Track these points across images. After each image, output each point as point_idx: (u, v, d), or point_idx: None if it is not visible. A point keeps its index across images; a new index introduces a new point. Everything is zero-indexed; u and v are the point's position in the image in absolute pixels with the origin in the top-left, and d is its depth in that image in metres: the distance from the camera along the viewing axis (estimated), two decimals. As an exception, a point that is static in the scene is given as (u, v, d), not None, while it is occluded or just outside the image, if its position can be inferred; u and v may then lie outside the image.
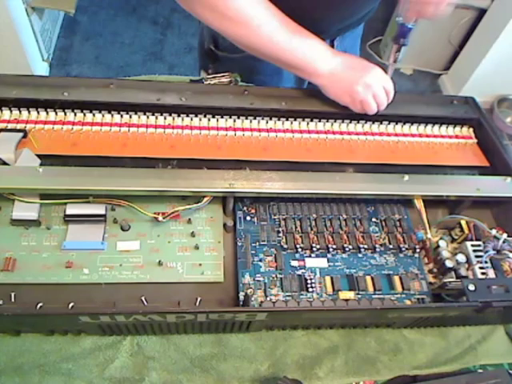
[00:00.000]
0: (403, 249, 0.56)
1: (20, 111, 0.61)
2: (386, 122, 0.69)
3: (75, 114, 0.62)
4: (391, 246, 0.56)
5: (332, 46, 0.79)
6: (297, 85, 0.83)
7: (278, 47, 0.59)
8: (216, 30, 0.60)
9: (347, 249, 0.55)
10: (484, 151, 0.69)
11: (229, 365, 0.51)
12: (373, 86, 0.62)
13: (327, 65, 0.61)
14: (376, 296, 0.53)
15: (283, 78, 0.80)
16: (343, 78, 0.62)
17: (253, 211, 0.57)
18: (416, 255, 0.57)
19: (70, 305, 0.48)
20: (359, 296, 0.52)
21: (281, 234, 0.56)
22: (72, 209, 0.53)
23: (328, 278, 0.53)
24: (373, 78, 0.62)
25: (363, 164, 0.63)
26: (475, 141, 0.70)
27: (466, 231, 0.57)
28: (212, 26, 0.60)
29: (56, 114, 0.61)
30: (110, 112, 0.63)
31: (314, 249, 0.55)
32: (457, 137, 0.70)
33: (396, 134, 0.68)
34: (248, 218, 0.57)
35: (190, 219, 0.55)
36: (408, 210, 0.60)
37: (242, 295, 0.50)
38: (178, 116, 0.64)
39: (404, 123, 0.69)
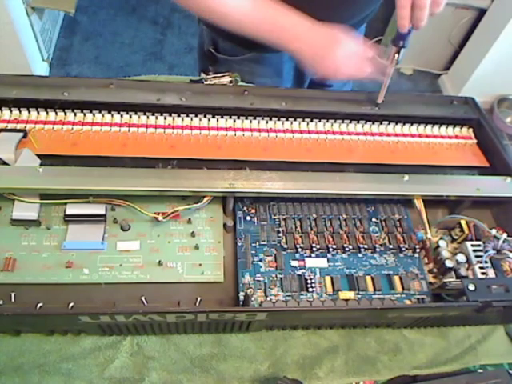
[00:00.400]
0: (403, 249, 0.56)
1: (20, 111, 0.61)
2: (386, 122, 0.69)
3: (75, 114, 0.62)
4: (391, 246, 0.56)
5: None
6: (297, 86, 0.83)
7: (252, 16, 0.60)
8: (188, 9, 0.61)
9: (347, 249, 0.55)
10: (484, 151, 0.69)
11: (229, 365, 0.51)
12: (356, 52, 0.62)
13: (302, 29, 0.61)
14: (376, 296, 0.53)
15: (283, 80, 0.80)
16: (317, 44, 0.62)
17: (253, 211, 0.57)
18: (416, 255, 0.57)
19: (70, 305, 0.48)
20: (359, 296, 0.52)
21: (281, 234, 0.56)
22: (72, 209, 0.53)
23: (328, 278, 0.53)
24: (347, 48, 0.62)
25: (363, 164, 0.63)
26: (475, 141, 0.70)
27: (466, 231, 0.57)
28: (186, 7, 0.60)
29: (56, 113, 0.61)
30: (110, 112, 0.63)
31: (314, 249, 0.55)
32: (457, 137, 0.70)
33: (396, 134, 0.68)
34: (248, 218, 0.57)
35: (189, 219, 0.55)
36: (408, 210, 0.60)
37: (242, 295, 0.50)
38: (178, 116, 0.64)
39: (404, 123, 0.69)
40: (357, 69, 0.63)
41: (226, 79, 0.72)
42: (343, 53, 0.62)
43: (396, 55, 0.62)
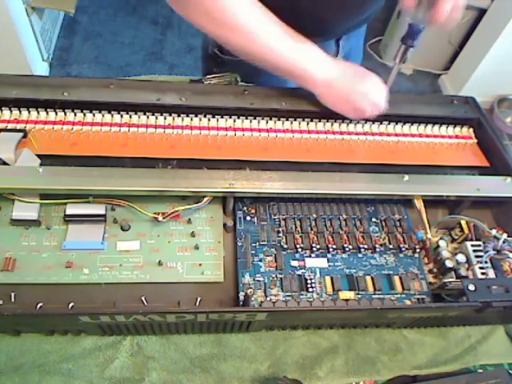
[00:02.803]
0: (403, 249, 0.56)
1: (20, 111, 0.61)
2: (386, 122, 0.69)
3: (75, 114, 0.62)
4: (391, 246, 0.56)
5: (337, 45, 0.78)
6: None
7: (275, 55, 0.58)
8: (212, 37, 0.60)
9: (347, 249, 0.55)
10: (484, 151, 0.69)
11: (229, 365, 0.51)
12: (369, 94, 0.61)
13: (324, 73, 0.60)
14: (376, 296, 0.53)
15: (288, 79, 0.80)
16: (340, 87, 0.61)
17: (253, 211, 0.57)
18: (416, 255, 0.57)
19: (70, 305, 0.48)
20: (359, 296, 0.52)
21: (281, 234, 0.56)
22: (72, 209, 0.53)
23: (328, 278, 0.53)
24: (369, 86, 0.62)
25: (363, 164, 0.63)
26: (475, 141, 0.70)
27: (466, 231, 0.57)
28: (208, 33, 0.59)
29: (56, 114, 0.61)
30: (110, 112, 0.63)
31: (314, 249, 0.55)
32: (457, 137, 0.70)
33: (396, 134, 0.68)
34: (248, 218, 0.57)
35: (189, 219, 0.55)
36: (408, 210, 0.60)
37: (242, 295, 0.50)
38: (178, 116, 0.64)
39: (404, 123, 0.69)
40: (378, 110, 0.63)
41: (225, 79, 0.72)
42: (368, 100, 0.62)
43: (404, 54, 0.61)
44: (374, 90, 0.62)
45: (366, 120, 0.68)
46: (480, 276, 0.52)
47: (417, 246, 0.57)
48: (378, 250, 0.56)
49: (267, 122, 0.66)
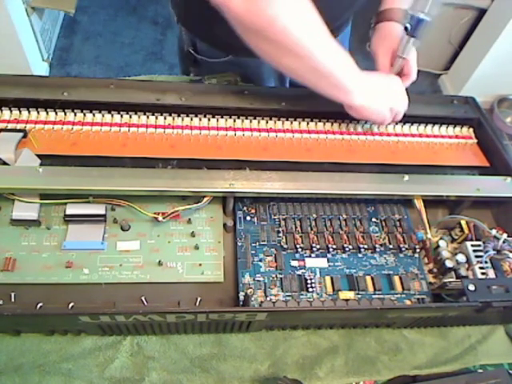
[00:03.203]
0: (403, 249, 0.56)
1: (20, 111, 0.61)
2: (386, 122, 0.69)
3: (75, 114, 0.62)
4: (391, 246, 0.56)
5: None
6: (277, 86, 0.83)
7: (319, 74, 0.56)
8: (267, 59, 0.56)
9: (347, 249, 0.55)
10: (484, 151, 0.69)
11: (229, 365, 0.51)
12: (398, 112, 0.63)
13: (358, 89, 0.58)
14: (376, 296, 0.53)
15: (264, 82, 0.80)
16: (373, 104, 0.60)
17: (253, 211, 0.57)
18: (416, 255, 0.57)
19: (70, 305, 0.48)
20: (359, 296, 0.52)
21: (281, 234, 0.56)
22: (72, 209, 0.53)
23: (328, 278, 0.53)
24: (400, 104, 0.62)
25: (363, 164, 0.63)
26: (475, 141, 0.70)
27: (466, 231, 0.57)
28: (265, 56, 0.55)
29: (56, 113, 0.61)
30: (110, 112, 0.63)
31: (314, 249, 0.55)
32: (457, 137, 0.70)
33: (396, 134, 0.68)
34: (248, 218, 0.57)
35: (189, 219, 0.55)
36: (408, 210, 0.60)
37: (242, 295, 0.50)
38: (178, 116, 0.64)
39: (404, 123, 0.69)
40: (399, 116, 0.64)
41: (225, 79, 0.72)
42: (391, 107, 0.62)
43: (405, 45, 0.61)
44: (403, 107, 0.63)
45: (366, 120, 0.68)
46: (480, 276, 0.52)
47: (417, 246, 0.57)
48: (377, 249, 0.56)
49: (267, 122, 0.66)
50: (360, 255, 0.56)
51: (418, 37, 0.59)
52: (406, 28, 0.59)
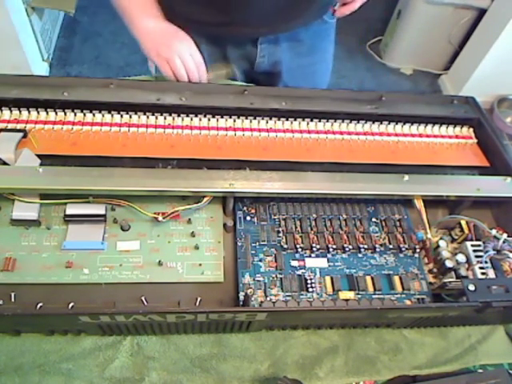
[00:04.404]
0: (403, 249, 0.56)
1: (20, 111, 0.61)
2: (386, 122, 0.69)
3: (75, 114, 0.62)
4: (391, 246, 0.56)
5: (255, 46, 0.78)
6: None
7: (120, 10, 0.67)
8: None
9: (347, 249, 0.55)
10: (484, 151, 0.69)
11: (229, 365, 0.51)
12: (180, 51, 0.65)
13: (146, 22, 0.66)
14: (376, 296, 0.53)
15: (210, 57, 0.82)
16: (156, 36, 0.67)
17: (253, 211, 0.57)
18: (416, 255, 0.57)
19: (70, 305, 0.48)
20: (359, 296, 0.52)
21: (281, 234, 0.56)
22: (72, 209, 0.53)
23: (328, 278, 0.53)
24: (181, 43, 0.66)
25: (363, 164, 0.63)
26: (475, 141, 0.70)
27: (466, 231, 0.57)
28: None
29: (56, 113, 0.61)
30: (110, 112, 0.63)
31: (314, 249, 0.55)
32: (457, 137, 0.70)
33: (396, 134, 0.68)
34: (248, 218, 0.57)
35: (189, 219, 0.55)
36: (408, 210, 0.60)
37: (242, 295, 0.50)
38: (178, 116, 0.64)
39: (404, 123, 0.69)
40: (188, 70, 0.66)
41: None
42: (172, 52, 0.66)
43: None
44: (185, 48, 0.66)
45: (366, 120, 0.68)
46: (480, 276, 0.52)
47: (417, 246, 0.57)
48: (377, 249, 0.56)
49: (267, 122, 0.66)
50: (360, 255, 0.56)
51: None
52: None
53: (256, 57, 0.79)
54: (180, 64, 0.66)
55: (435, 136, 0.69)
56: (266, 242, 0.55)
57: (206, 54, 0.78)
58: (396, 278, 0.54)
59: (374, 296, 0.52)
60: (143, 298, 0.50)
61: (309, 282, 0.52)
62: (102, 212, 0.53)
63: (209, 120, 0.65)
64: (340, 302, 0.51)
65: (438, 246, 0.55)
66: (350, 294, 0.52)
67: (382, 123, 0.69)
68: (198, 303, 0.50)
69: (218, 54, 0.79)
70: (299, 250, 0.55)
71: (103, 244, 0.52)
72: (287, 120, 0.66)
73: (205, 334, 0.53)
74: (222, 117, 0.65)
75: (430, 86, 2.10)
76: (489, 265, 0.53)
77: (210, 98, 0.65)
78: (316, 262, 0.54)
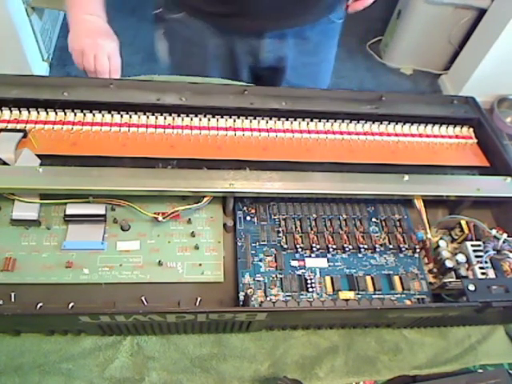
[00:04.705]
0: (403, 249, 0.56)
1: (20, 111, 0.61)
2: (386, 122, 0.69)
3: (75, 114, 0.62)
4: (391, 246, 0.56)
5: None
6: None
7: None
8: None
9: (347, 249, 0.55)
10: (484, 151, 0.69)
11: (229, 365, 0.51)
12: (97, 48, 0.67)
13: (82, 15, 0.69)
14: (376, 296, 0.53)
15: (206, 40, 0.81)
16: (85, 28, 0.69)
17: (253, 211, 0.57)
18: (416, 255, 0.57)
19: (70, 305, 0.48)
20: (359, 296, 0.52)
21: (281, 234, 0.56)
22: (72, 209, 0.53)
23: (328, 278, 0.53)
24: (102, 42, 0.68)
25: (363, 164, 0.63)
26: (475, 141, 0.70)
27: (466, 231, 0.57)
28: None
29: (56, 113, 0.61)
30: (109, 112, 0.63)
31: (314, 249, 0.55)
32: (457, 137, 0.70)
33: (396, 134, 0.68)
34: (248, 218, 0.57)
35: (189, 219, 0.55)
36: (408, 210, 0.60)
37: (242, 295, 0.50)
38: (178, 116, 0.64)
39: (404, 123, 0.69)
40: (98, 66, 0.68)
41: None
42: (90, 47, 0.68)
43: None
44: (103, 47, 0.68)
45: (366, 120, 0.68)
46: (480, 276, 0.52)
47: (417, 246, 0.57)
48: (377, 249, 0.56)
49: (267, 122, 0.66)
50: (360, 255, 0.56)
51: None
52: None
53: (261, 51, 0.79)
54: (91, 60, 0.68)
55: (435, 136, 0.69)
56: (265, 242, 0.55)
57: (212, 45, 0.78)
58: (396, 278, 0.54)
59: (374, 296, 0.52)
60: (143, 298, 0.50)
61: (309, 281, 0.52)
62: (102, 212, 0.53)
63: (209, 120, 0.65)
64: (340, 302, 0.51)
65: (438, 246, 0.55)
66: (350, 294, 0.52)
67: (382, 123, 0.69)
68: (198, 303, 0.50)
69: (224, 47, 0.79)
70: (299, 250, 0.55)
71: (103, 244, 0.52)
72: (287, 120, 0.66)
73: (205, 334, 0.53)
74: (222, 117, 0.65)
75: (430, 85, 2.10)
76: (489, 265, 0.53)
77: (210, 97, 0.65)
78: (316, 262, 0.54)
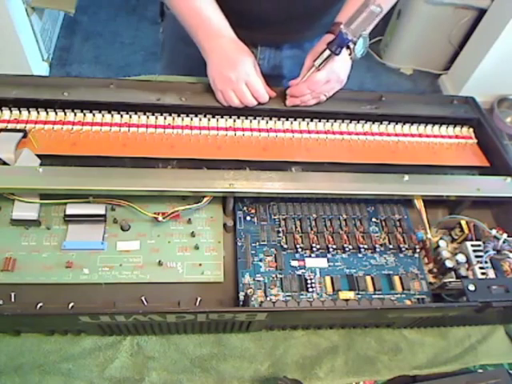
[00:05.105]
0: (403, 249, 0.56)
1: (20, 111, 0.61)
2: (386, 122, 0.69)
3: (75, 114, 0.62)
4: (391, 246, 0.56)
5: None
6: None
7: (195, 20, 0.63)
8: None
9: (347, 249, 0.55)
10: (484, 151, 0.69)
11: (229, 365, 0.51)
12: (233, 82, 0.61)
13: (210, 46, 0.63)
14: (376, 296, 0.53)
15: None
16: (215, 65, 0.63)
17: (253, 211, 0.57)
18: (416, 255, 0.57)
19: (70, 305, 0.48)
20: (359, 296, 0.52)
21: (281, 234, 0.56)
22: (72, 209, 0.53)
23: (328, 278, 0.53)
24: (235, 73, 0.61)
25: (363, 164, 0.63)
26: (475, 141, 0.70)
27: (466, 231, 0.57)
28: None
29: (56, 113, 0.61)
30: (110, 112, 0.63)
31: (314, 249, 0.55)
32: (457, 137, 0.70)
33: (396, 134, 0.68)
34: (248, 217, 0.57)
35: (189, 219, 0.55)
36: (408, 210, 0.60)
37: (242, 295, 0.50)
38: (178, 116, 0.64)
39: (404, 123, 0.69)
40: (241, 98, 0.63)
41: None
42: (225, 84, 0.62)
43: (325, 59, 0.60)
44: (239, 77, 0.62)
45: (366, 120, 0.68)
46: (480, 276, 0.52)
47: (417, 246, 0.57)
48: (377, 249, 0.56)
49: (267, 122, 0.66)
50: (360, 255, 0.56)
51: (339, 53, 0.59)
52: (329, 43, 0.59)
53: (256, 58, 0.79)
54: (235, 99, 0.63)
55: (435, 136, 0.69)
56: (266, 242, 0.55)
57: None
58: (396, 278, 0.54)
59: (374, 296, 0.52)
60: (143, 298, 0.50)
61: (309, 281, 0.52)
62: (102, 212, 0.53)
63: (209, 120, 0.65)
64: (340, 302, 0.51)
65: (438, 246, 0.55)
66: (350, 294, 0.52)
67: (381, 123, 0.69)
68: (197, 303, 0.50)
69: None
70: (299, 250, 0.55)
71: (103, 244, 0.52)
72: (287, 120, 0.66)
73: (205, 334, 0.53)
74: (221, 117, 0.65)
75: (430, 86, 2.10)
76: (489, 265, 0.53)
77: (210, 98, 0.65)
78: (316, 262, 0.54)
